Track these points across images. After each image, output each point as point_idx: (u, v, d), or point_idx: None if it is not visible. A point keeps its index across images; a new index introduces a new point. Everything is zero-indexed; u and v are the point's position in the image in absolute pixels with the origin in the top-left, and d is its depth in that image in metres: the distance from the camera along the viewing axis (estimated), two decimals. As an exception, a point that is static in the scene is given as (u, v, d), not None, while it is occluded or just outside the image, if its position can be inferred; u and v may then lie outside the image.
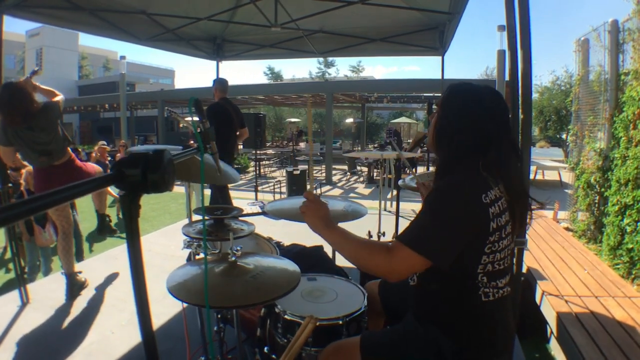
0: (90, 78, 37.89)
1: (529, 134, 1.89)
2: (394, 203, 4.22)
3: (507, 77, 2.08)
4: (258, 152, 8.04)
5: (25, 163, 3.80)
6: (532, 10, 1.84)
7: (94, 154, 8.15)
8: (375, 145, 21.21)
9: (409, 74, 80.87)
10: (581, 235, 4.70)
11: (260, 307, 1.67)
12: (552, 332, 2.74)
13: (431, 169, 4.08)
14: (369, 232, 3.40)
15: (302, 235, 3.11)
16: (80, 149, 9.29)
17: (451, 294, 1.16)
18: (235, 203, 6.07)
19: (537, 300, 3.02)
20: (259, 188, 7.55)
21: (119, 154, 8.19)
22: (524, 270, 3.30)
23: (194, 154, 0.99)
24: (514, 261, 1.86)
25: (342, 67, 58.69)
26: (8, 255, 4.91)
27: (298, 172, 7.47)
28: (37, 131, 2.80)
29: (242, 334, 1.71)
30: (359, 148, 18.44)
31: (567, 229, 5.00)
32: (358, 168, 13.68)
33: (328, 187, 10.51)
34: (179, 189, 8.20)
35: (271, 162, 15.57)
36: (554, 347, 2.74)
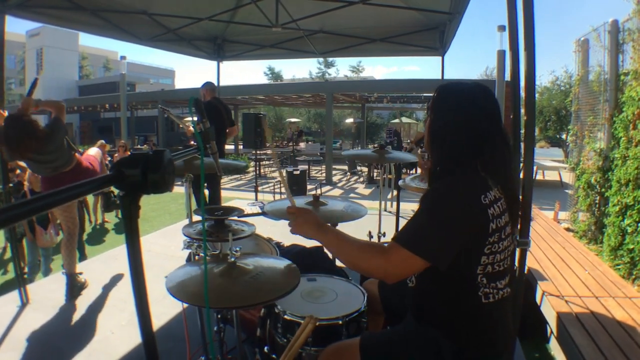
0: (91, 78, 37.89)
1: (532, 135, 1.88)
2: (394, 203, 4.21)
3: (507, 78, 2.08)
4: (258, 152, 8.03)
5: (22, 164, 3.80)
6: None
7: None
8: (375, 146, 21.19)
9: (409, 74, 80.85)
10: (582, 236, 4.70)
11: (260, 307, 1.67)
12: (552, 332, 2.74)
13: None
14: (369, 232, 3.40)
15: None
16: (80, 150, 9.28)
17: (450, 295, 1.15)
18: (235, 203, 6.06)
19: (538, 300, 3.02)
20: (259, 188, 7.55)
21: (116, 155, 8.18)
22: (525, 270, 3.30)
23: (194, 154, 0.99)
24: (517, 262, 1.86)
25: (342, 67, 58.73)
26: (8, 255, 4.91)
27: (298, 172, 7.47)
28: (46, 154, 2.85)
29: (242, 334, 1.71)
30: (359, 148, 18.44)
31: (567, 229, 5.00)
32: (358, 168, 13.67)
33: (328, 187, 10.50)
34: (179, 189, 8.18)
35: (271, 162, 15.57)
36: (554, 347, 2.73)
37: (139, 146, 20.71)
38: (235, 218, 1.97)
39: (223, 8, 4.64)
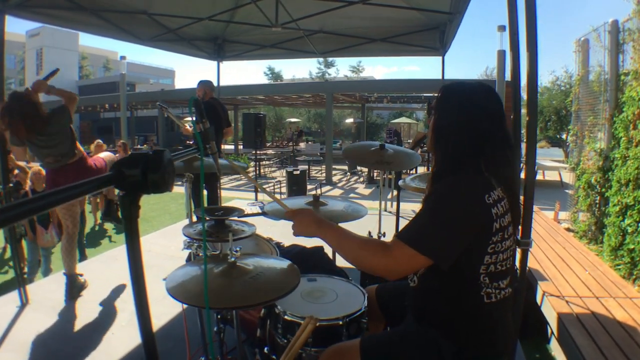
0: (91, 78, 37.88)
1: (534, 136, 1.87)
2: (395, 203, 4.21)
3: (508, 78, 2.08)
4: (258, 152, 8.03)
5: (21, 164, 3.79)
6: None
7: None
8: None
9: (409, 74, 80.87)
10: (582, 236, 4.69)
11: (260, 307, 1.67)
12: (552, 333, 2.73)
13: (431, 169, 4.06)
14: (369, 232, 3.39)
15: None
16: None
17: (452, 294, 1.15)
18: (235, 203, 6.06)
19: (538, 300, 3.01)
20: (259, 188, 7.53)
21: (117, 155, 8.17)
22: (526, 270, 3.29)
23: (194, 154, 0.99)
24: (518, 263, 1.85)
25: (342, 67, 58.68)
26: (7, 255, 4.91)
27: (298, 172, 7.46)
28: (47, 136, 2.83)
29: (242, 335, 1.70)
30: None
31: (568, 229, 4.99)
32: (358, 168, 13.67)
33: (328, 187, 10.50)
34: (179, 189, 8.20)
35: (271, 162, 15.57)
36: (555, 348, 2.73)
37: (138, 146, 20.71)
38: (236, 218, 1.97)
39: (223, 8, 4.63)
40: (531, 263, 3.50)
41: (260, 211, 5.50)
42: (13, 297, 2.93)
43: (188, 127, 4.26)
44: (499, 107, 1.18)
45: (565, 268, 3.45)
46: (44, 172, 4.39)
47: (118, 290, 3.19)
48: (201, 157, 1.00)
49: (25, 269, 3.96)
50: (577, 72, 5.39)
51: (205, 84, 4.66)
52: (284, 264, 1.45)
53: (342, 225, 1.86)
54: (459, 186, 1.11)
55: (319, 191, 7.45)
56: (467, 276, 1.12)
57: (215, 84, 4.98)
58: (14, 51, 33.32)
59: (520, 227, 1.79)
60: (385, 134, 13.81)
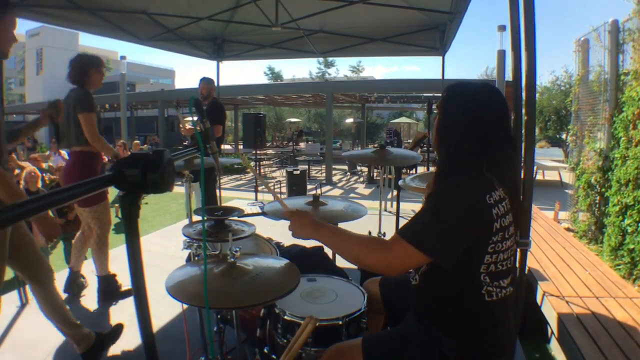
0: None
1: (532, 135, 1.88)
2: (394, 203, 4.21)
3: (508, 78, 2.08)
4: (258, 152, 8.03)
5: (23, 164, 3.78)
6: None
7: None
8: (376, 146, 21.19)
9: (409, 74, 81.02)
10: (582, 236, 4.69)
11: (260, 307, 1.67)
12: (552, 333, 2.73)
13: (431, 169, 4.08)
14: (369, 232, 3.40)
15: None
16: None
17: (454, 293, 1.16)
18: (235, 203, 6.06)
19: (538, 300, 3.01)
20: (259, 188, 7.54)
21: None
22: (525, 271, 3.29)
23: (194, 154, 0.99)
24: (517, 263, 1.85)
25: (342, 67, 58.63)
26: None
27: (298, 172, 7.46)
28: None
29: (242, 335, 1.70)
30: (359, 148, 18.44)
31: (567, 229, 4.99)
32: (358, 168, 13.67)
33: (328, 187, 10.50)
34: (179, 189, 8.19)
35: (271, 162, 15.57)
36: (555, 348, 2.73)
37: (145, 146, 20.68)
38: (235, 218, 1.97)
39: (223, 8, 4.63)
40: (531, 263, 3.50)
41: (260, 211, 5.50)
42: (13, 297, 2.93)
43: (189, 126, 4.25)
44: (503, 108, 1.18)
45: (565, 268, 3.45)
46: (38, 172, 4.39)
47: (118, 290, 3.19)
48: (201, 157, 1.00)
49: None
50: (577, 72, 5.39)
51: (209, 82, 4.61)
52: (283, 264, 1.45)
53: (342, 225, 1.86)
54: (461, 186, 1.12)
55: (319, 191, 7.45)
56: (468, 275, 1.13)
57: (215, 83, 4.97)
58: (14, 51, 33.04)
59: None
60: (385, 134, 13.82)
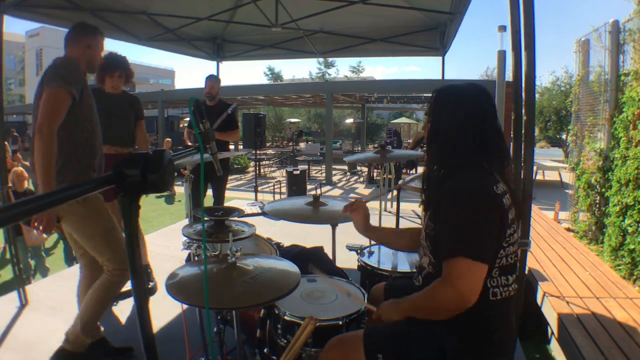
0: (91, 78, 37.75)
1: (532, 135, 1.88)
2: (394, 203, 4.21)
3: (508, 78, 2.09)
4: (258, 152, 8.02)
5: (28, 165, 3.76)
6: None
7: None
8: (376, 146, 21.22)
9: (409, 74, 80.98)
10: (582, 236, 4.69)
11: (260, 307, 1.67)
12: (552, 333, 2.73)
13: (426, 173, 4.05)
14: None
15: (302, 236, 3.11)
16: None
17: None
18: (235, 203, 6.05)
19: (539, 301, 3.01)
20: (259, 188, 7.54)
21: None
22: (525, 271, 3.29)
23: (194, 154, 0.99)
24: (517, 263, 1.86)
25: (342, 68, 58.70)
26: (7, 255, 4.90)
27: (298, 172, 7.46)
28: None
29: (242, 335, 1.70)
30: (359, 148, 18.44)
31: (568, 229, 4.99)
32: (358, 168, 13.67)
33: (328, 187, 10.50)
34: (179, 189, 8.19)
35: (271, 162, 15.56)
36: (555, 348, 2.73)
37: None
38: (235, 218, 1.97)
39: (222, 8, 4.63)
40: (531, 263, 3.50)
41: (260, 211, 5.50)
42: (13, 297, 2.93)
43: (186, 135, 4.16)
44: (490, 105, 1.21)
45: (566, 268, 3.44)
46: (25, 173, 4.37)
47: (118, 291, 3.18)
48: (201, 157, 1.00)
49: (21, 266, 3.95)
50: (577, 73, 5.39)
51: (214, 78, 4.18)
52: (283, 264, 1.45)
53: (342, 225, 1.86)
54: (469, 180, 1.13)
55: (319, 191, 7.45)
56: None
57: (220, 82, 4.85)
58: (14, 51, 33.30)
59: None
60: (385, 134, 13.81)
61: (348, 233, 2.05)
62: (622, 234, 3.62)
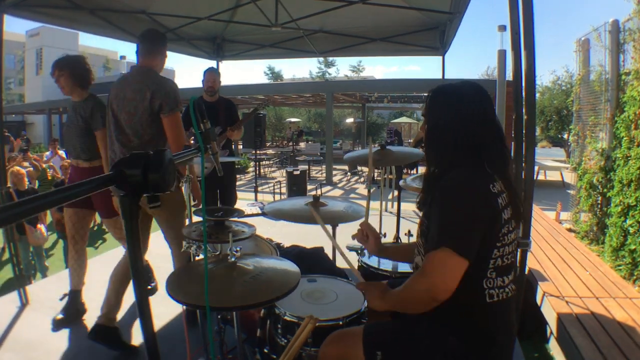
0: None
1: (532, 135, 1.88)
2: (395, 204, 4.21)
3: (509, 77, 2.09)
4: (258, 152, 8.03)
5: (25, 164, 3.77)
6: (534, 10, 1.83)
7: None
8: (376, 145, 21.11)
9: (409, 73, 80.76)
10: (584, 237, 4.69)
11: (260, 307, 1.67)
12: (551, 333, 2.73)
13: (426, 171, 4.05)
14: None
15: (302, 236, 3.11)
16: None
17: (456, 293, 1.15)
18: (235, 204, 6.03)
19: (538, 301, 3.01)
20: (259, 189, 7.53)
21: None
22: (526, 271, 3.29)
23: (194, 154, 0.99)
24: (517, 263, 1.85)
25: (342, 67, 58.69)
26: (6, 256, 4.90)
27: (298, 172, 7.46)
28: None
29: (242, 334, 1.70)
30: (360, 148, 18.44)
31: (569, 229, 4.98)
32: (359, 168, 13.66)
33: (328, 187, 10.49)
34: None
35: (271, 162, 15.56)
36: (554, 348, 2.73)
37: None
38: (235, 219, 1.97)
39: (222, 7, 4.63)
40: (531, 263, 3.49)
41: (260, 212, 5.49)
42: (13, 297, 2.93)
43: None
44: (487, 103, 1.21)
45: (566, 268, 3.44)
46: (23, 171, 4.37)
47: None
48: (201, 157, 1.00)
49: (22, 266, 3.95)
50: (578, 72, 5.39)
51: (215, 72, 3.89)
52: (284, 264, 1.45)
53: (342, 225, 1.86)
54: (466, 176, 1.14)
55: (319, 191, 7.45)
56: (472, 273, 1.12)
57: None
58: (14, 51, 33.29)
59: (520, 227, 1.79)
60: (386, 134, 13.81)
61: (348, 233, 2.04)
62: (623, 234, 3.61)
